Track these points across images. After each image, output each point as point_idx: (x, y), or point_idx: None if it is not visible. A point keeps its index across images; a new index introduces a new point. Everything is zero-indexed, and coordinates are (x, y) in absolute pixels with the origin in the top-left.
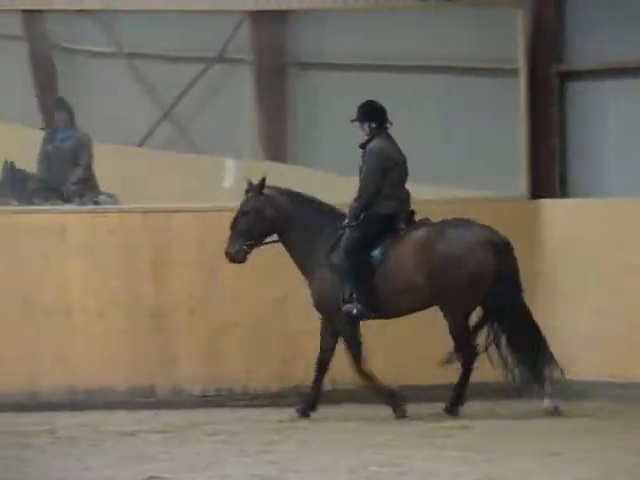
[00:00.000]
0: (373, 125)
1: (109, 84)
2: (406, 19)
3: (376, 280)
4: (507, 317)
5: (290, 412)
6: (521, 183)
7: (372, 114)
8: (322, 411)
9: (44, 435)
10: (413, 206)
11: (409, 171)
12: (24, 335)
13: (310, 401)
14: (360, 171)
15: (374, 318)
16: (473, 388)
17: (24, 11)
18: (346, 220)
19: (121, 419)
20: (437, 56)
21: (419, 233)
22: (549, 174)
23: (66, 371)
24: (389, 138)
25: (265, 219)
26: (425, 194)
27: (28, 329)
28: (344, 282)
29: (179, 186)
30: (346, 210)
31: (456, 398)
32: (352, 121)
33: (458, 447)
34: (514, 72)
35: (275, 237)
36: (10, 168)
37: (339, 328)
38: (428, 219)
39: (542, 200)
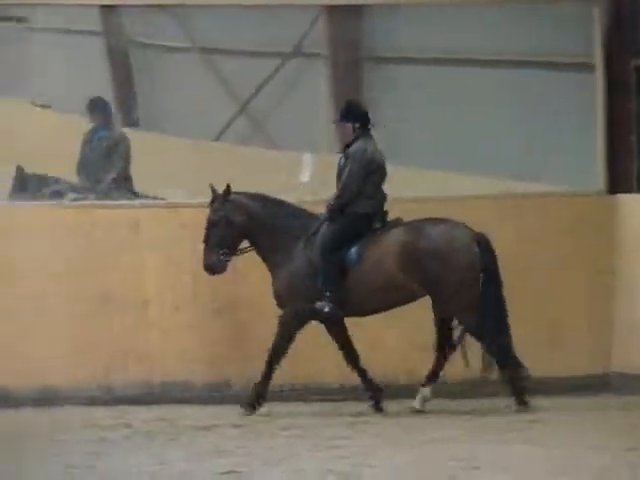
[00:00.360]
0: (357, 126)
1: (185, 79)
2: (482, 13)
3: (351, 279)
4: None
5: (364, 407)
6: (598, 178)
7: (356, 115)
8: (396, 405)
9: (120, 429)
10: (492, 201)
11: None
12: (100, 329)
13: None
14: (341, 170)
15: (343, 316)
16: (543, 383)
17: (101, 7)
18: (324, 214)
19: (197, 413)
20: (513, 50)
21: (398, 232)
22: (627, 169)
23: (142, 365)
24: (371, 139)
25: (235, 225)
26: (501, 189)
27: (104, 323)
28: (318, 279)
29: (255, 181)
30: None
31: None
32: (334, 122)
33: (529, 441)
34: (591, 67)
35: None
36: (21, 174)
37: (280, 323)
38: (401, 219)
39: (619, 195)
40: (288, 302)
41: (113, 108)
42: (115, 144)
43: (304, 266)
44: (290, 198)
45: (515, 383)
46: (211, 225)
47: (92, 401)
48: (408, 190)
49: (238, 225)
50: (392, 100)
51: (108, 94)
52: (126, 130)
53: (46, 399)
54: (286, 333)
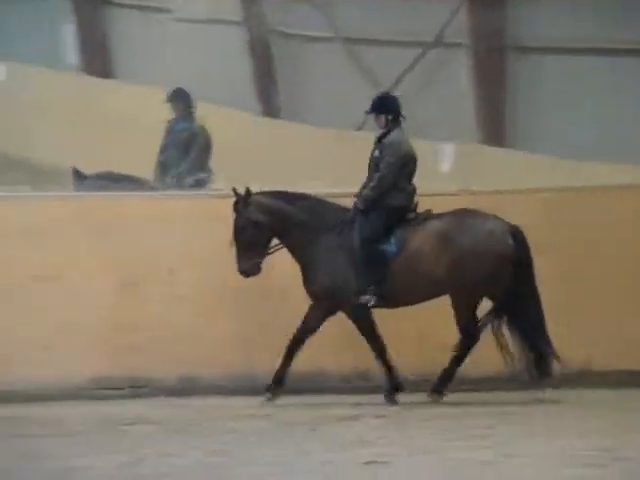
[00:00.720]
0: (390, 117)
1: (326, 69)
2: (627, 1)
3: (392, 271)
4: (521, 306)
5: (509, 396)
6: None
7: (389, 106)
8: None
9: (261, 419)
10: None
11: None
12: (237, 320)
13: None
14: (373, 161)
15: (381, 307)
16: None
17: None
18: (355, 202)
19: (339, 403)
20: None
21: (437, 224)
22: None
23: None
24: (403, 131)
25: (262, 226)
26: None
27: (239, 314)
28: (360, 272)
29: None
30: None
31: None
32: (367, 113)
33: None
34: None
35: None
36: (78, 174)
37: (357, 320)
38: (430, 210)
39: None
40: (326, 297)
41: (255, 97)
42: (193, 136)
43: (341, 260)
44: (432, 188)
45: (541, 371)
46: (238, 229)
47: (233, 391)
48: (548, 180)
49: (265, 225)
50: (535, 90)
51: (249, 84)
52: (267, 120)
53: (186, 389)
54: (316, 321)
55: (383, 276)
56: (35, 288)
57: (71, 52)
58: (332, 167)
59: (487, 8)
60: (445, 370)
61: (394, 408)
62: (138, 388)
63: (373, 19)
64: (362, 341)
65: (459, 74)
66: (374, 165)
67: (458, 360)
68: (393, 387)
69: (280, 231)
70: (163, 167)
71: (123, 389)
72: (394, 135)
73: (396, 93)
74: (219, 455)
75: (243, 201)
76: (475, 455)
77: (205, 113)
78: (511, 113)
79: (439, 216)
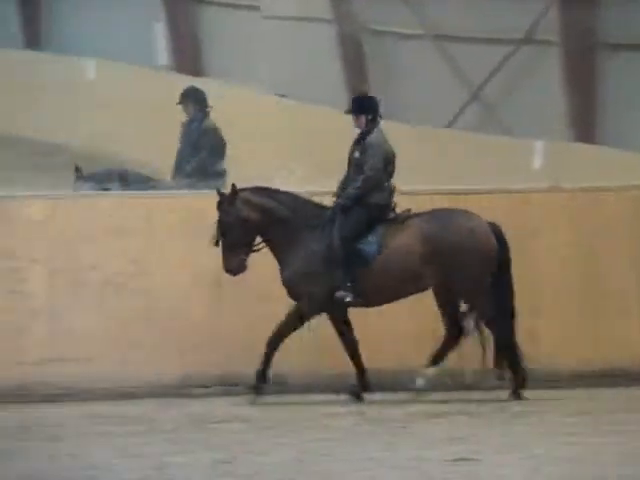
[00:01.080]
0: (370, 117)
1: (417, 66)
2: None
3: (371, 269)
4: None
5: (594, 393)
6: None
7: (368, 107)
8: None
9: (351, 416)
10: None
11: None
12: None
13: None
14: (353, 162)
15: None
16: None
17: None
18: (337, 200)
19: (429, 400)
20: None
21: (418, 223)
22: None
23: (377, 353)
24: (382, 131)
25: (250, 223)
26: None
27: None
28: (338, 269)
29: (485, 168)
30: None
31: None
32: (346, 113)
33: None
34: None
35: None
36: (79, 173)
37: (296, 310)
38: (410, 210)
39: None
40: (304, 293)
41: (345, 95)
42: (204, 135)
43: (321, 257)
44: (522, 185)
45: (515, 374)
46: (225, 227)
47: (325, 388)
48: (638, 177)
49: (253, 222)
50: (626, 87)
51: (339, 81)
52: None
53: (275, 387)
54: (297, 319)
55: (362, 274)
56: (124, 287)
57: (161, 50)
58: (422, 164)
59: (578, 5)
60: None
61: (486, 405)
62: (228, 386)
63: (463, 16)
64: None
65: (550, 71)
66: (354, 166)
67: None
68: (361, 388)
69: (264, 228)
70: (176, 168)
71: (211, 387)
72: (375, 136)
73: (487, 90)
74: (311, 452)
75: (229, 199)
76: (562, 452)
77: (296, 110)
78: (602, 110)
79: (419, 215)
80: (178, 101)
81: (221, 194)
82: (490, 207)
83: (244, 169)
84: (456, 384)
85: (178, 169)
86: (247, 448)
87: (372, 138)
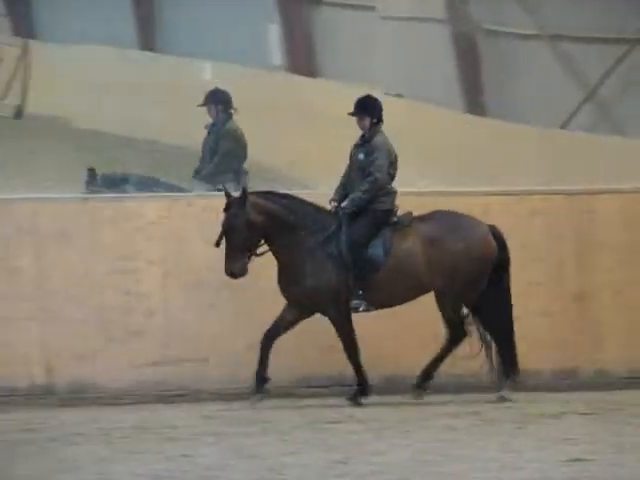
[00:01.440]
0: (374, 120)
1: (533, 66)
2: None
3: (379, 274)
4: (497, 306)
5: None
6: None
7: (372, 108)
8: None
9: (468, 416)
10: None
11: None
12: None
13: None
14: (357, 164)
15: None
16: None
17: None
18: (345, 205)
19: (545, 401)
20: None
21: (423, 227)
22: None
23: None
24: (384, 133)
25: (257, 226)
26: None
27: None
28: (349, 276)
29: (594, 169)
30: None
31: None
32: (350, 114)
33: None
34: None
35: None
36: (91, 175)
37: (337, 322)
38: (411, 212)
39: None
40: (325, 304)
41: (460, 95)
42: (222, 137)
43: (326, 263)
44: (631, 185)
45: (508, 375)
46: (231, 230)
47: (439, 389)
48: None
49: (260, 226)
50: None
51: (453, 81)
52: (471, 118)
53: (389, 388)
54: (348, 329)
55: (371, 279)
56: (239, 287)
57: (276, 51)
58: (537, 164)
59: None
60: (427, 366)
61: (601, 406)
62: (342, 387)
63: (579, 16)
64: (572, 338)
65: None
66: (358, 168)
67: (442, 357)
68: (360, 391)
69: (271, 232)
70: (196, 173)
71: (328, 387)
72: (380, 138)
73: (602, 91)
74: (428, 453)
75: (239, 202)
76: None
77: (411, 110)
78: None
79: (422, 218)
80: (201, 103)
81: (229, 196)
82: (608, 207)
83: None
84: (574, 384)
85: (197, 174)
86: (363, 449)
87: (378, 140)
